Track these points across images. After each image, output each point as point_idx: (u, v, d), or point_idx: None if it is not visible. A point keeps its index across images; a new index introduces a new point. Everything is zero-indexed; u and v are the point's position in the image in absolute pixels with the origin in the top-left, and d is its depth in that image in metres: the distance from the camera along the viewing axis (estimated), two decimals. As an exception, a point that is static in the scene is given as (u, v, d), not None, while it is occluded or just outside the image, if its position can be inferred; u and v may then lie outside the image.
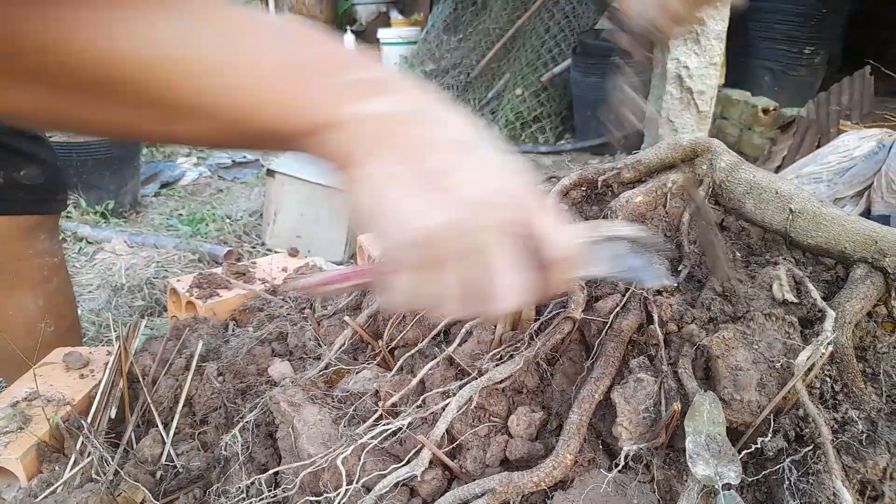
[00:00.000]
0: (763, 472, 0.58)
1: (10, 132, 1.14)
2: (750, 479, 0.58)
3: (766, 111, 2.91)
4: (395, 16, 7.08)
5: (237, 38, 0.43)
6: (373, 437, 0.68)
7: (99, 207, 2.97)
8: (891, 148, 1.86)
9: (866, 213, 1.88)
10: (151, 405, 0.90)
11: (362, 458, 0.66)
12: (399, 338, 0.85)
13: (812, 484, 0.55)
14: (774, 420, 0.60)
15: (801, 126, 2.63)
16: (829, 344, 0.62)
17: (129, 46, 0.39)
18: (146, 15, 0.39)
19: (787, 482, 0.56)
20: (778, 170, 2.44)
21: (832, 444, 0.57)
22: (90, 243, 2.68)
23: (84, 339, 1.41)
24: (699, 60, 2.53)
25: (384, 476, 0.64)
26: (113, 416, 0.89)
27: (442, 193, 0.43)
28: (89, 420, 0.87)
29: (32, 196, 1.19)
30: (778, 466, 0.57)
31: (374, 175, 0.44)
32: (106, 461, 0.80)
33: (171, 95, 0.41)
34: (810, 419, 0.58)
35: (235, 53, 0.42)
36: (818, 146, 2.32)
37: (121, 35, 0.38)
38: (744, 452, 0.58)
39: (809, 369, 0.61)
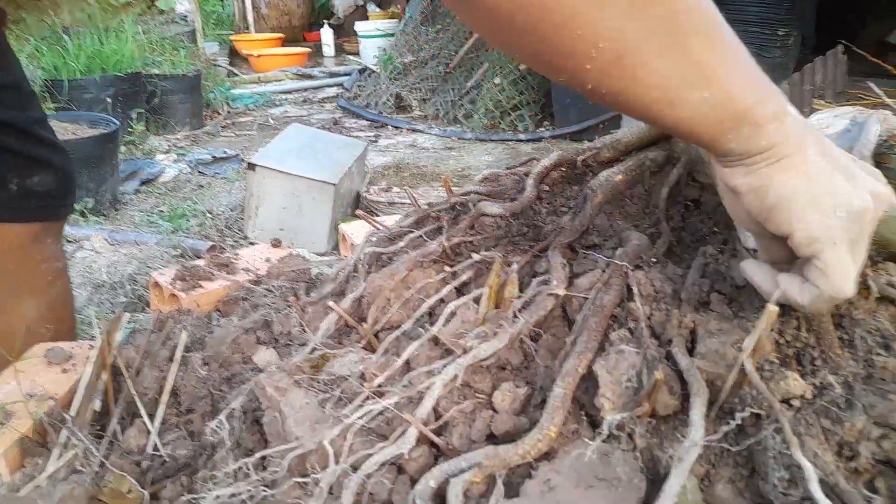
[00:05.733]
0: (746, 443, 0.58)
1: (25, 139, 1.11)
2: (732, 449, 0.59)
3: (742, 94, 2.93)
4: (372, 8, 7.03)
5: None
6: (359, 418, 0.68)
7: (78, 206, 2.93)
8: (863, 125, 1.89)
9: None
10: (136, 396, 0.89)
11: (349, 438, 0.66)
12: (384, 321, 0.85)
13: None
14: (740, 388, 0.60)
15: (778, 107, 2.65)
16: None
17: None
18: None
19: (771, 451, 0.56)
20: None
21: (800, 413, 0.57)
22: (70, 242, 2.65)
23: (67, 337, 1.39)
24: (676, 44, 2.53)
25: (371, 455, 0.64)
26: (97, 409, 0.89)
27: (855, 182, 0.54)
28: (72, 413, 0.86)
29: (43, 202, 1.17)
30: (761, 435, 0.58)
31: (811, 162, 0.53)
32: (91, 453, 0.80)
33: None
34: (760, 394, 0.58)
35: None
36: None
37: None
38: (728, 427, 0.58)
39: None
